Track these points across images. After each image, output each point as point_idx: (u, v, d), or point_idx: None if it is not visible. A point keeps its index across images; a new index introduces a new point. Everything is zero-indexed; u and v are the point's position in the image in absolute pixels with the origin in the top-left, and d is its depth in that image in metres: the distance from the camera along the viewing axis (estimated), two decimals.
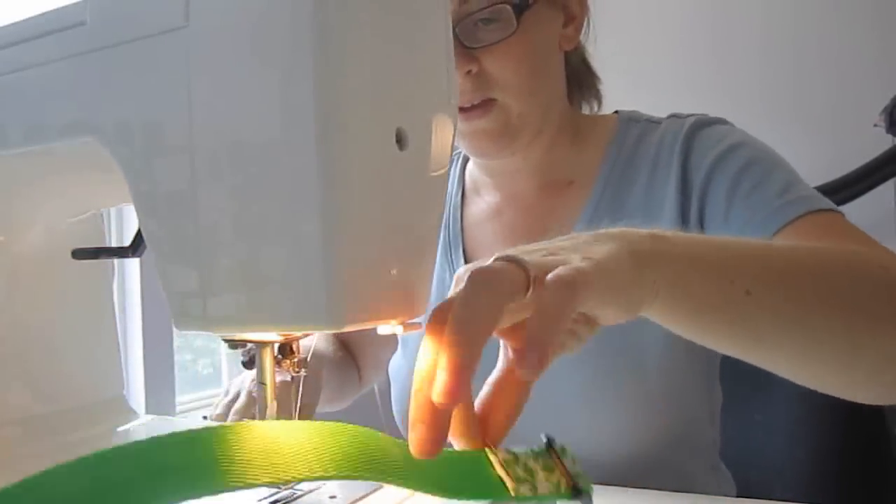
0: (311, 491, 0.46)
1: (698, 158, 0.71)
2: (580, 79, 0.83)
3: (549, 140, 0.77)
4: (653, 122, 0.78)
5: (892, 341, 0.48)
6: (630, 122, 0.79)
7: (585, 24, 0.78)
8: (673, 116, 0.78)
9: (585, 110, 0.85)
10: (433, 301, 0.43)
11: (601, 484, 0.61)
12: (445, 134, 0.42)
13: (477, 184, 0.85)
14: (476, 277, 0.36)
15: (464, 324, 0.34)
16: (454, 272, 0.78)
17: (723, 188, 0.67)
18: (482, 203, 0.84)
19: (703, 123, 0.74)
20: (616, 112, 0.83)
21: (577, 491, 0.41)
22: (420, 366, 0.36)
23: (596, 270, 0.37)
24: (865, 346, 0.48)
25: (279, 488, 0.45)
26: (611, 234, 0.43)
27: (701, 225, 0.69)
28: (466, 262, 0.80)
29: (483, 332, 0.34)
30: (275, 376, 0.44)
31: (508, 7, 0.67)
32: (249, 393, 0.73)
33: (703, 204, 0.69)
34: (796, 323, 0.47)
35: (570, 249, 0.40)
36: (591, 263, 0.38)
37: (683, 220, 0.70)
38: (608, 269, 0.38)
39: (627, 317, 0.41)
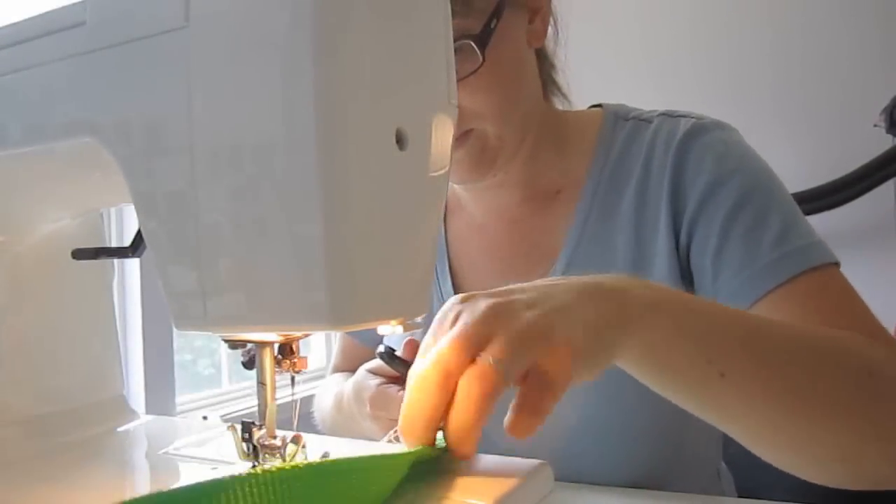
0: None
1: (692, 175, 0.66)
2: (547, 72, 0.77)
3: (529, 149, 0.73)
4: (643, 121, 0.73)
5: (849, 440, 0.49)
6: (617, 119, 0.74)
7: (551, 13, 0.72)
8: (665, 115, 0.72)
9: (558, 105, 0.79)
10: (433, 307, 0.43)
11: (598, 484, 0.61)
12: (445, 134, 0.42)
13: (458, 196, 0.80)
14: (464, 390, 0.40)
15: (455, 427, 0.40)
16: (440, 286, 0.78)
17: (716, 223, 0.64)
18: (465, 216, 0.80)
19: (699, 131, 0.68)
20: (599, 106, 0.77)
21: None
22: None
23: (578, 357, 0.42)
24: (822, 441, 0.49)
25: None
26: (600, 287, 0.46)
27: (687, 252, 0.66)
28: (453, 276, 0.77)
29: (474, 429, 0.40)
30: (274, 378, 0.44)
31: (471, 42, 0.63)
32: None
33: (692, 232, 0.66)
34: (761, 410, 0.48)
35: (554, 313, 0.42)
36: (572, 349, 0.42)
37: (675, 235, 0.67)
38: (591, 346, 0.43)
39: (591, 377, 0.44)
